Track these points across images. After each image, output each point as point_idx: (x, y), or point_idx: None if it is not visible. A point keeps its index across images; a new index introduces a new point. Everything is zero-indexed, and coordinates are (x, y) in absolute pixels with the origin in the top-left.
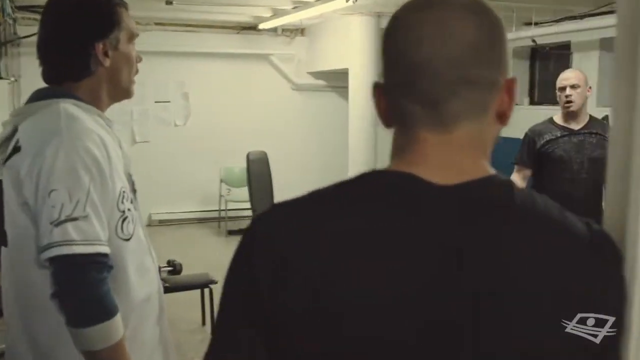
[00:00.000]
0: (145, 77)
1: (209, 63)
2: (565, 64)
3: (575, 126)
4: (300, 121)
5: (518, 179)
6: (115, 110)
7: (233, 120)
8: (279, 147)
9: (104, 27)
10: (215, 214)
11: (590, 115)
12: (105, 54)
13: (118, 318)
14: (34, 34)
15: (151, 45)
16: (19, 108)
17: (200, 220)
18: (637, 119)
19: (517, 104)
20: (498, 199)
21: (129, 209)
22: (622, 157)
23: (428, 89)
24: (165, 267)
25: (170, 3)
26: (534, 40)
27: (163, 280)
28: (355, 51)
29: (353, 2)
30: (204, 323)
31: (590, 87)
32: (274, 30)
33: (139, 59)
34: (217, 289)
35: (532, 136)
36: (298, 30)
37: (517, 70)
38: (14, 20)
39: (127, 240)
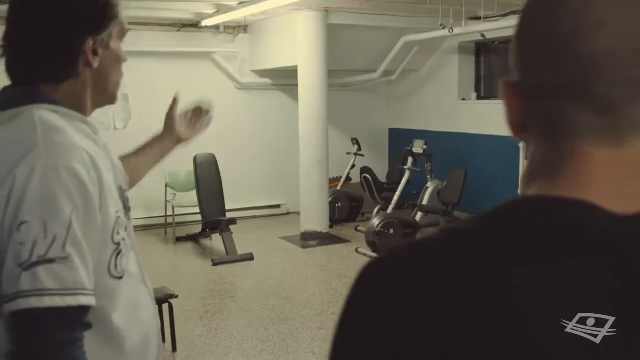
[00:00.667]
0: None
1: (149, 62)
2: None
3: None
4: (246, 121)
5: None
6: None
7: None
8: (225, 149)
9: (98, 21)
10: (162, 220)
11: None
12: (95, 53)
13: None
14: None
15: None
16: None
17: (146, 228)
18: None
19: (464, 99)
20: None
21: (123, 239)
22: None
23: (605, 90)
24: None
25: None
26: (483, 35)
27: None
28: (303, 48)
29: None
30: (164, 340)
31: None
32: (215, 27)
33: (124, 59)
34: (177, 303)
35: None
36: (241, 28)
37: (464, 66)
38: None
39: (120, 278)
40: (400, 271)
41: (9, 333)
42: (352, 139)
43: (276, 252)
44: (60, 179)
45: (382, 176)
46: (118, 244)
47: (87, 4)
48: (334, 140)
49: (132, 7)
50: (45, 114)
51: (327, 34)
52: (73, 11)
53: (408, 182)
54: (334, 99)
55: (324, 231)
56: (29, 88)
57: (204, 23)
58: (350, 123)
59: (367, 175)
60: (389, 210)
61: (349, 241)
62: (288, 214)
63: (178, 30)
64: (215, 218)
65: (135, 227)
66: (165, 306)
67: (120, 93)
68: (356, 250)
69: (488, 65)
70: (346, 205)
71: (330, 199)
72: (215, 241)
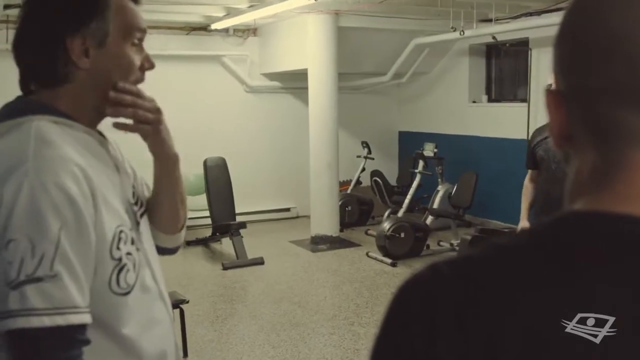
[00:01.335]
0: None
1: (158, 66)
2: (524, 61)
3: None
4: (256, 124)
5: (528, 180)
6: None
7: (185, 126)
8: (235, 152)
9: (78, 16)
10: None
11: None
12: (85, 53)
13: None
14: None
15: None
16: None
17: None
18: None
19: (474, 102)
20: None
21: (128, 254)
22: None
23: None
24: None
25: None
26: (494, 37)
27: None
28: (313, 51)
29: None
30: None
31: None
32: (225, 30)
33: (149, 65)
34: (188, 309)
35: (530, 138)
36: (250, 30)
37: (474, 68)
38: None
39: (126, 294)
40: (444, 292)
41: (9, 350)
42: (362, 142)
43: (286, 256)
44: (47, 195)
45: (392, 179)
46: (119, 259)
47: None
48: (344, 143)
49: (141, 11)
50: (43, 126)
51: (337, 36)
52: (49, 7)
53: (419, 185)
54: (344, 102)
55: (334, 235)
56: (31, 97)
57: (214, 26)
58: (360, 126)
59: (378, 179)
60: (400, 213)
61: (359, 245)
62: (298, 217)
63: (187, 34)
64: (225, 222)
65: None
66: (176, 311)
67: None
68: (367, 254)
69: (499, 68)
70: (356, 209)
71: (340, 203)
72: (225, 245)
